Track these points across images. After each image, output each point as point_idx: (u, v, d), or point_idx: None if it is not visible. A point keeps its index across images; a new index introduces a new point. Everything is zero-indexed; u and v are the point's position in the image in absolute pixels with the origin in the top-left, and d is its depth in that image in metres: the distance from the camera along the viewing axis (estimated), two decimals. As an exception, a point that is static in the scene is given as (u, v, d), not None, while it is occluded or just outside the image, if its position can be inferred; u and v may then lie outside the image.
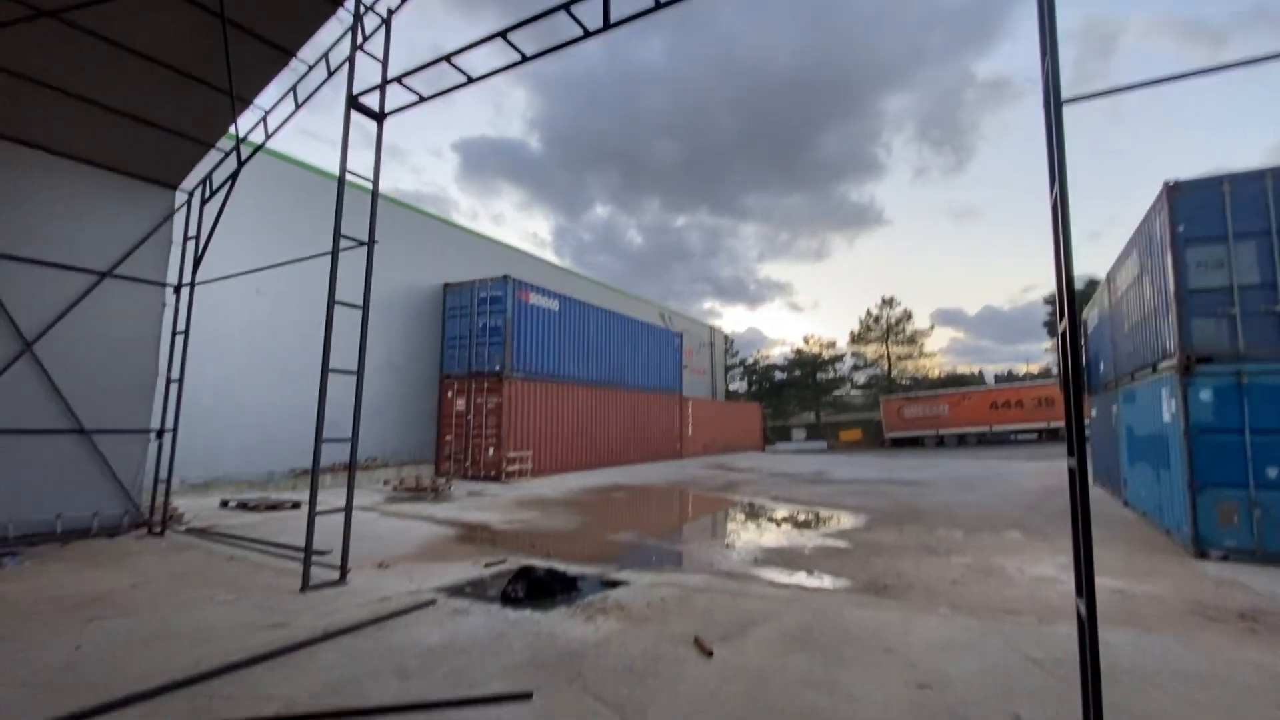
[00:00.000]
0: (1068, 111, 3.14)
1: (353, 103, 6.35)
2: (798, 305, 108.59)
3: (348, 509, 6.06)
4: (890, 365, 50.87)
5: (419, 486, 13.65)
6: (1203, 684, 3.66)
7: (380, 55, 6.49)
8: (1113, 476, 11.82)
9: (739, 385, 52.34)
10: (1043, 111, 3.16)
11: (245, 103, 7.98)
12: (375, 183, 6.48)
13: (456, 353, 18.11)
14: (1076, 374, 3.01)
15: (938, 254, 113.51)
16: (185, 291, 9.01)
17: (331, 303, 6.02)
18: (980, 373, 54.52)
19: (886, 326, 51.25)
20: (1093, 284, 23.25)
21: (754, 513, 11.49)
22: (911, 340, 50.96)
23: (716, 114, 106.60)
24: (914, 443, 37.95)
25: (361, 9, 6.40)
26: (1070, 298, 3.09)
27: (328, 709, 3.28)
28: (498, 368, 16.98)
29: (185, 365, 8.60)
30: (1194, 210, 7.15)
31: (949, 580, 6.20)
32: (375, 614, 4.92)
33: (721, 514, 11.46)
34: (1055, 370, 36.10)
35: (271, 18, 6.97)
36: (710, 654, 4.17)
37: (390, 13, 6.63)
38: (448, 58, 6.00)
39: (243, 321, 13.41)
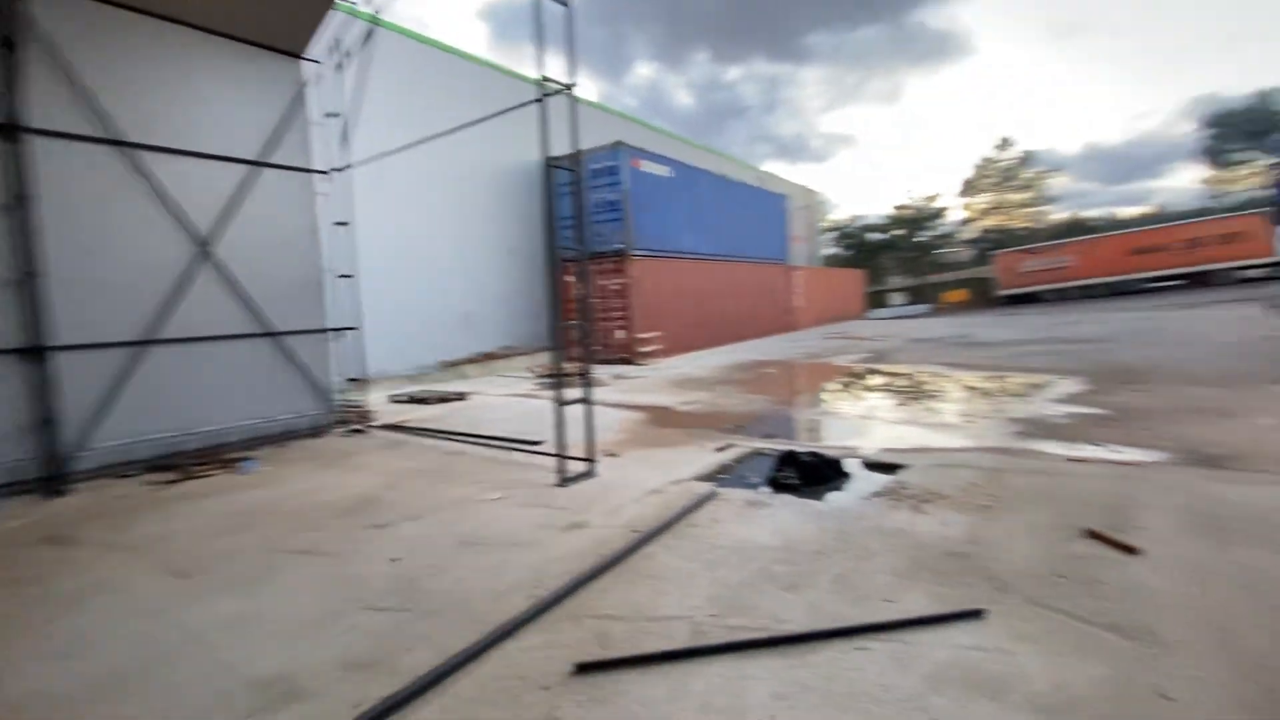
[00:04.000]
0: None
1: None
2: (869, 159, 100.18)
3: (587, 399, 5.52)
4: (1006, 216, 46.29)
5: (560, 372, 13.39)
6: None
7: None
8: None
9: (829, 251, 49.16)
10: None
11: (374, -67, 6.68)
12: None
13: (570, 233, 17.14)
14: None
15: (1035, 84, 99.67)
16: (339, 178, 8.31)
17: (547, 162, 5.09)
18: (1109, 217, 48.98)
19: (1000, 172, 46.04)
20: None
21: (943, 382, 10.50)
22: (1028, 186, 45.78)
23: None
24: (1029, 299, 35.23)
25: None
26: None
27: (768, 635, 2.73)
28: (619, 245, 15.99)
29: (357, 259, 8.09)
30: None
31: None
32: (667, 509, 4.43)
33: (906, 385, 10.54)
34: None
35: None
36: (1131, 550, 3.39)
37: None
38: None
39: (370, 212, 12.84)
